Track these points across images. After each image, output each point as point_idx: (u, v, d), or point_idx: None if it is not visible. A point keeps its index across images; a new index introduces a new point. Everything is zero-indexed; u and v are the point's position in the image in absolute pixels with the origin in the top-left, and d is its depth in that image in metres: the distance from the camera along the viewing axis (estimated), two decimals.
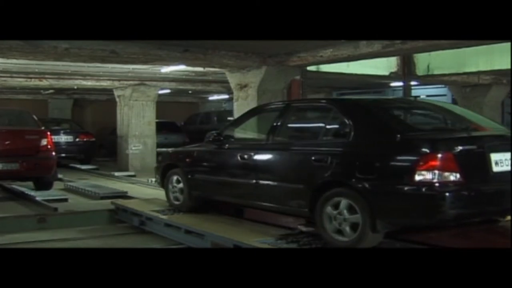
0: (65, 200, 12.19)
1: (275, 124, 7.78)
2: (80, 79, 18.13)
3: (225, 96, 24.96)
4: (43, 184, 13.25)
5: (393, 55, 13.53)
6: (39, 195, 12.19)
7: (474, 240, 6.51)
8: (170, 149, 10.50)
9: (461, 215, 6.08)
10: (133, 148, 19.23)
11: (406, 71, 14.80)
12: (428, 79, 15.81)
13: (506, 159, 6.17)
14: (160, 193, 12.05)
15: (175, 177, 9.18)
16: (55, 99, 26.50)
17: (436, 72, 14.64)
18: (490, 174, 6.09)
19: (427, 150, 5.94)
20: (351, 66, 13.38)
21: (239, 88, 12.60)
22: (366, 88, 20.88)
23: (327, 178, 6.66)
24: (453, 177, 5.86)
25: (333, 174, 6.62)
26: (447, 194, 5.83)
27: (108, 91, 20.74)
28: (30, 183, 13.47)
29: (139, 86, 18.98)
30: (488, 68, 13.78)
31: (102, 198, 12.51)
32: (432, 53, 13.55)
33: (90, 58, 11.11)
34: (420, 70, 14.81)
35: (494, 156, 6.12)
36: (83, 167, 20.31)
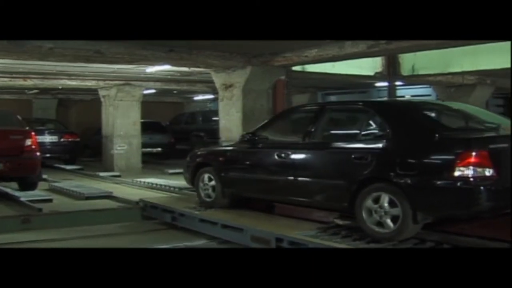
0: (50, 200, 12.06)
1: (312, 124, 8.25)
2: (65, 79, 18.02)
3: (210, 96, 24.93)
4: (27, 184, 13.18)
5: (378, 55, 13.56)
6: (23, 196, 12.07)
7: (501, 230, 6.82)
8: (199, 149, 10.89)
9: (495, 207, 6.57)
10: (118, 148, 19.16)
11: (391, 71, 14.84)
12: (413, 79, 15.86)
13: None
14: (145, 193, 12.08)
15: (206, 175, 9.63)
16: (39, 99, 26.36)
17: (421, 72, 14.69)
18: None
19: (465, 149, 6.48)
20: (336, 66, 13.41)
21: (224, 88, 12.59)
22: (351, 88, 20.92)
23: (368, 175, 7.15)
24: (487, 172, 6.38)
25: (374, 171, 7.11)
26: (482, 188, 6.35)
27: (93, 91, 20.64)
28: (15, 184, 13.38)
29: (124, 86, 18.90)
30: (473, 69, 13.87)
31: (87, 198, 12.48)
32: (417, 53, 13.58)
33: (74, 58, 11.04)
34: (405, 70, 14.85)
35: None
36: (68, 167, 20.18)
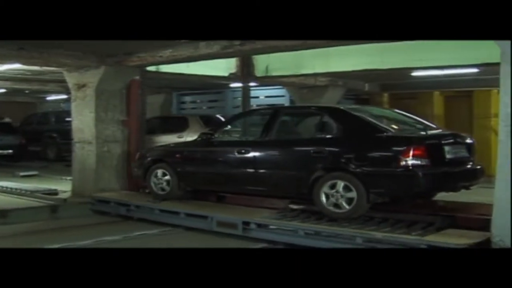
0: None
1: (271, 124, 9.72)
2: None
3: (64, 96, 24.36)
4: None
5: (233, 56, 13.68)
6: None
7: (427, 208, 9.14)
8: (149, 148, 12.30)
9: (430, 189, 8.69)
10: None
11: (245, 72, 14.99)
12: (266, 80, 16.09)
13: (452, 150, 8.67)
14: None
15: (160, 171, 10.82)
16: None
17: (274, 74, 14.90)
18: (445, 160, 8.53)
19: (408, 144, 8.28)
20: (191, 66, 13.41)
21: (77, 88, 12.34)
22: (206, 88, 21.00)
23: (325, 166, 8.78)
24: (424, 162, 8.20)
25: (331, 163, 8.76)
26: (421, 174, 8.12)
27: None
28: None
29: None
30: (325, 70, 14.20)
31: None
32: (271, 55, 13.78)
33: None
34: (259, 71, 15.03)
35: (446, 148, 8.62)
36: None
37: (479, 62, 11.40)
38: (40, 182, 14.66)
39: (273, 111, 10.11)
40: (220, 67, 14.51)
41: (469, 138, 9.43)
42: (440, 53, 11.65)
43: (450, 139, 8.95)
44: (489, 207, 7.22)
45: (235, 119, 11.40)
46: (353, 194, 8.44)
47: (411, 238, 7.59)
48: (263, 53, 13.05)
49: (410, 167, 8.16)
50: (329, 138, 9.06)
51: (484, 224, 7.26)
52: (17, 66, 13.52)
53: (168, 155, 10.96)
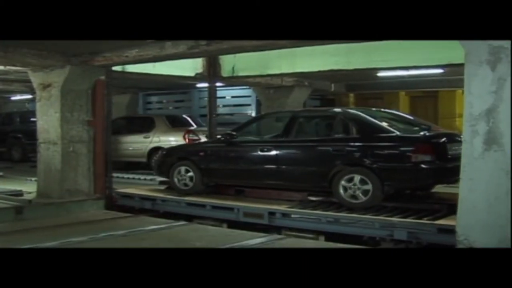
0: None
1: (290, 125, 11.23)
2: None
3: (29, 96, 24.14)
4: None
5: (199, 57, 13.70)
6: None
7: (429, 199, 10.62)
8: (174, 146, 14.23)
9: (435, 181, 10.34)
10: None
11: (212, 72, 15.01)
12: (233, 81, 16.13)
13: (453, 148, 9.84)
14: None
15: (183, 168, 12.10)
16: None
17: (241, 74, 14.95)
18: (448, 157, 9.80)
19: (417, 143, 9.82)
20: (157, 66, 13.39)
21: (42, 88, 12.22)
22: (172, 88, 20.97)
23: (344, 162, 10.18)
24: (431, 158, 9.67)
25: (349, 159, 10.15)
26: (429, 168, 9.61)
27: None
28: None
29: None
30: (291, 71, 14.26)
31: None
32: (237, 55, 13.81)
33: None
34: (226, 72, 15.07)
35: (449, 145, 9.96)
36: None
37: (443, 62, 11.54)
38: (4, 183, 14.52)
39: (293, 114, 11.60)
40: (187, 67, 14.51)
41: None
42: (405, 53, 11.77)
43: (451, 137, 10.32)
44: None
45: (253, 122, 13.35)
46: (368, 186, 9.84)
47: (424, 223, 8.80)
48: (230, 53, 13.07)
49: (419, 163, 9.60)
50: (347, 138, 10.41)
51: None
52: None
53: (191, 154, 12.29)
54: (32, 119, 16.89)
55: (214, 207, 11.27)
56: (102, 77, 12.57)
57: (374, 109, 12.34)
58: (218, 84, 16.14)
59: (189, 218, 11.29)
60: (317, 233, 9.76)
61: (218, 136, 12.83)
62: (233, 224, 10.67)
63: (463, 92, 6.79)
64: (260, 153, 11.23)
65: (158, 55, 10.71)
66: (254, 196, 11.67)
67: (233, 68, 14.87)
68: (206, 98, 17.01)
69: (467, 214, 6.63)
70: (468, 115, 6.58)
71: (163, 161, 12.83)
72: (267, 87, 17.38)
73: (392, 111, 12.44)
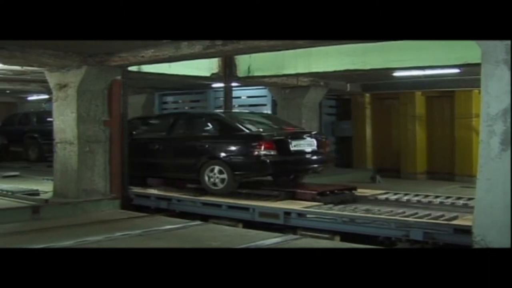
0: None
1: (175, 125, 13.60)
2: None
3: (45, 96, 24.25)
4: None
5: (215, 57, 13.70)
6: None
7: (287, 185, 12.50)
8: None
9: (277, 172, 12.35)
10: None
11: (227, 72, 15.01)
12: (248, 81, 16.11)
13: (297, 143, 12.18)
14: None
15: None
16: None
17: (256, 74, 14.94)
18: (291, 151, 12.03)
19: (261, 139, 11.72)
20: (173, 66, 13.41)
21: (59, 88, 12.28)
22: (188, 88, 20.96)
23: (207, 156, 12.29)
24: (272, 152, 11.64)
25: (211, 153, 12.26)
26: (269, 160, 11.61)
27: None
28: None
29: None
30: (306, 71, 14.23)
31: None
32: (253, 55, 13.82)
33: None
34: (241, 72, 15.07)
35: (292, 142, 12.09)
36: None
37: (460, 62, 11.46)
38: (21, 183, 14.59)
39: (175, 115, 14.24)
40: (202, 67, 14.53)
41: (318, 135, 13.16)
42: (421, 53, 11.72)
43: (295, 136, 12.40)
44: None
45: (145, 122, 15.13)
46: (224, 176, 11.92)
47: (440, 223, 8.87)
48: (245, 53, 13.08)
49: (261, 156, 11.56)
50: (209, 135, 12.78)
51: (312, 197, 11.20)
52: None
53: None
54: (48, 119, 16.94)
55: (230, 207, 11.46)
56: (118, 77, 12.60)
57: (247, 111, 15.90)
58: (233, 84, 16.14)
59: (204, 217, 11.32)
60: (332, 233, 9.75)
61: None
62: (248, 224, 10.66)
63: (479, 92, 6.76)
64: (152, 148, 13.55)
65: (174, 55, 10.73)
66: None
67: (248, 68, 14.87)
68: (221, 98, 17.02)
69: (484, 214, 6.60)
70: (485, 115, 6.54)
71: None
72: (283, 87, 17.36)
73: (268, 114, 16.05)
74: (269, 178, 12.99)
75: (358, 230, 9.51)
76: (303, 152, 12.35)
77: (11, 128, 23.53)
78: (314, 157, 12.58)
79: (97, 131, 12.30)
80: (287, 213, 10.47)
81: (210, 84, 18.03)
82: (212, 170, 12.08)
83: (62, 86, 12.18)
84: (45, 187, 13.32)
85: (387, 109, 20.47)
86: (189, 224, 10.39)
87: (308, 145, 12.46)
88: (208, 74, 14.89)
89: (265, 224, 10.43)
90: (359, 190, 12.62)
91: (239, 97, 19.29)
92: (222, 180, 11.93)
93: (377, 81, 18.47)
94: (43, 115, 22.39)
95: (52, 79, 12.42)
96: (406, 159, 19.30)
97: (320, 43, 9.78)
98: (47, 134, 15.31)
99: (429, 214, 9.55)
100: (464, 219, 8.77)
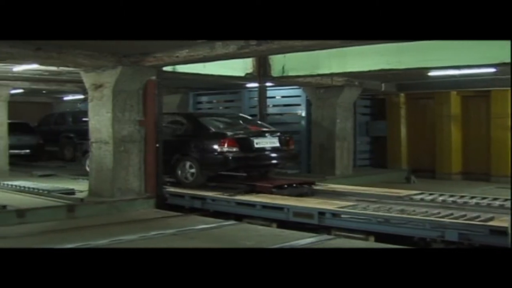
0: None
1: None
2: None
3: (80, 96, 24.43)
4: None
5: (249, 57, 13.72)
6: None
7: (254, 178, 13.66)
8: None
9: (240, 166, 13.41)
10: None
11: (262, 72, 15.02)
12: (283, 80, 16.09)
13: (260, 141, 13.57)
14: (14, 197, 11.72)
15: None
16: None
17: (290, 74, 14.92)
18: (253, 148, 13.37)
19: (224, 137, 13.09)
20: (207, 66, 13.44)
21: (94, 88, 12.38)
22: (222, 88, 20.99)
23: (180, 152, 13.67)
24: (235, 149, 12.99)
25: (184, 150, 13.64)
26: (232, 156, 12.95)
27: None
28: None
29: None
30: (341, 70, 14.19)
31: None
32: (287, 55, 13.81)
33: None
34: (275, 71, 15.06)
35: (255, 140, 13.50)
36: None
37: (496, 61, 11.33)
38: (57, 182, 14.73)
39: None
40: (237, 67, 14.54)
41: (281, 134, 14.23)
42: (456, 52, 11.61)
43: (258, 134, 13.71)
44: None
45: None
46: (194, 170, 13.37)
47: (475, 224, 8.70)
48: (280, 53, 13.08)
49: (225, 153, 12.93)
50: (183, 134, 14.12)
51: (269, 190, 12.42)
52: (34, 66, 13.58)
53: None
54: (83, 119, 17.10)
55: (264, 206, 11.41)
56: (153, 77, 12.67)
57: (221, 112, 18.55)
58: (268, 84, 16.14)
59: (238, 217, 11.31)
60: (367, 233, 9.69)
61: None
62: (282, 224, 10.64)
63: None
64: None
65: (208, 55, 10.75)
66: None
67: (283, 68, 14.86)
68: (256, 98, 17.07)
69: None
70: None
71: None
72: (317, 87, 17.31)
73: (240, 115, 16.64)
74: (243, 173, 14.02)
75: (392, 230, 9.42)
76: (264, 149, 13.73)
77: (47, 128, 23.79)
78: (274, 154, 13.93)
79: (132, 131, 12.38)
80: (322, 213, 10.40)
81: (245, 84, 18.04)
82: (184, 165, 13.56)
83: (97, 86, 12.28)
84: (80, 186, 13.44)
85: (422, 109, 20.35)
86: (223, 223, 10.42)
87: (270, 143, 13.81)
88: (242, 74, 14.91)
89: (299, 224, 10.38)
90: (397, 190, 12.68)
91: (274, 97, 19.28)
92: (192, 174, 13.43)
93: (412, 80, 18.36)
94: (78, 115, 22.59)
95: (88, 79, 12.52)
96: (441, 159, 19.17)
97: (354, 43, 9.73)
98: (83, 133, 15.46)
99: (465, 215, 9.42)
100: (500, 220, 8.65)
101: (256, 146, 13.39)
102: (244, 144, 13.20)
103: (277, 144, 13.87)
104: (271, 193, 12.29)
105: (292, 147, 14.63)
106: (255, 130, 14.12)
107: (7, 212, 10.51)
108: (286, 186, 12.87)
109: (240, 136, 13.40)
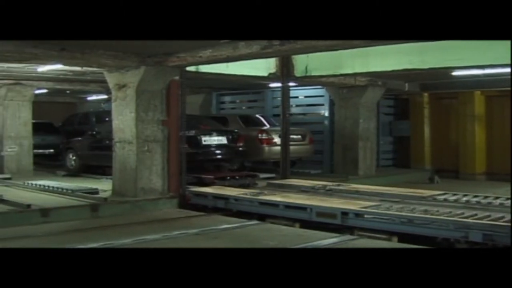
0: None
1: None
2: None
3: (104, 96, 24.56)
4: None
5: (272, 57, 13.71)
6: None
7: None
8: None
9: (191, 161, 13.60)
10: (9, 149, 18.59)
11: (285, 72, 15.02)
12: (306, 80, 16.09)
13: (208, 139, 15.16)
14: (38, 196, 11.79)
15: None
16: None
17: (314, 74, 14.90)
18: (201, 145, 14.86)
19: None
20: (230, 66, 13.45)
21: (118, 88, 12.45)
22: (245, 88, 21.01)
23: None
24: (185, 145, 13.10)
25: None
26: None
27: None
28: None
29: (14, 85, 18.32)
30: (364, 70, 14.15)
31: None
32: (310, 54, 13.79)
33: None
34: (298, 71, 15.06)
35: (203, 137, 15.06)
36: None
37: None
38: (81, 182, 14.83)
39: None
40: (260, 67, 14.54)
41: (230, 133, 15.98)
42: (480, 52, 11.54)
43: (205, 133, 15.28)
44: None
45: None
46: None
47: (500, 225, 8.51)
48: (303, 53, 13.07)
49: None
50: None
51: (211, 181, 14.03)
52: (59, 66, 13.66)
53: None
54: (107, 118, 17.18)
55: (287, 206, 11.24)
56: (176, 77, 12.71)
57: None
58: (291, 84, 16.13)
59: (261, 217, 11.30)
60: (390, 233, 9.61)
61: None
62: (305, 224, 10.63)
63: None
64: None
65: (231, 55, 10.76)
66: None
67: (306, 67, 14.84)
68: (279, 98, 17.02)
69: None
70: None
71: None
72: (340, 86, 17.29)
73: (194, 115, 17.17)
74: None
75: (416, 231, 9.32)
76: (211, 146, 15.33)
77: (71, 128, 23.88)
78: (219, 150, 15.54)
79: (155, 130, 12.43)
80: (345, 213, 10.24)
81: (268, 84, 18.06)
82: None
83: (121, 86, 12.35)
84: (104, 186, 13.52)
85: (446, 108, 20.25)
86: (246, 223, 10.42)
87: (217, 140, 15.42)
88: (265, 74, 14.91)
89: (322, 224, 10.36)
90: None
91: (297, 97, 19.28)
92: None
93: (435, 80, 18.28)
94: (102, 115, 22.69)
95: (111, 79, 12.59)
96: (465, 159, 19.07)
97: (377, 42, 9.71)
98: (106, 133, 15.53)
99: (489, 216, 9.34)
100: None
101: (204, 143, 15.10)
102: (193, 141, 14.41)
103: (224, 141, 15.58)
104: (213, 184, 13.86)
105: (241, 144, 16.15)
106: (204, 128, 15.73)
107: (31, 211, 10.60)
108: (228, 178, 14.62)
109: (190, 134, 14.29)
